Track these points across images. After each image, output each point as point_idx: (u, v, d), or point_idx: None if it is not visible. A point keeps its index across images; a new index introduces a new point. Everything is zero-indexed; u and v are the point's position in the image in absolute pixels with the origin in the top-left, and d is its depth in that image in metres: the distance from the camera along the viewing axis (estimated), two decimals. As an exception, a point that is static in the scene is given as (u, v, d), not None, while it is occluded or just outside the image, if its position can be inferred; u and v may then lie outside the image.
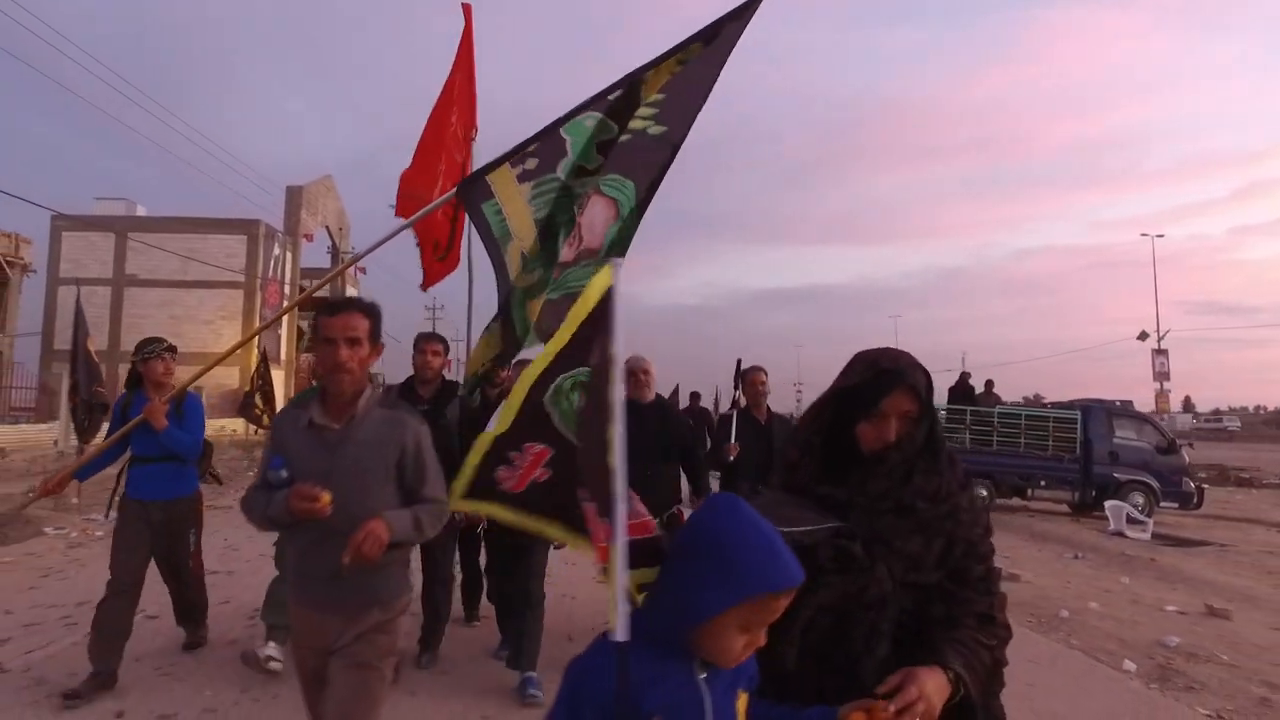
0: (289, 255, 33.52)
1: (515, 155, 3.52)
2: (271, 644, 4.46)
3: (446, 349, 4.80)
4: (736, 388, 6.16)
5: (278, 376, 23.14)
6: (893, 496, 1.61)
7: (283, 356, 31.46)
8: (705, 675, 1.28)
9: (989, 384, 16.48)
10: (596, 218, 3.39)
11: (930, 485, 1.61)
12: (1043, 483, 14.26)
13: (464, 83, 5.22)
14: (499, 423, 1.86)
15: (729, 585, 1.21)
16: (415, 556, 3.45)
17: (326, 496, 2.31)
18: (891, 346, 1.72)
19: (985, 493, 13.50)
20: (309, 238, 34.61)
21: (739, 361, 6.32)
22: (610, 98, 3.37)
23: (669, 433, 4.94)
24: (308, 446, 2.49)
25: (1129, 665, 5.36)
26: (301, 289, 34.30)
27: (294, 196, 33.88)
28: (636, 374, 4.88)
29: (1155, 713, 4.54)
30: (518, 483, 1.91)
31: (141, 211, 32.54)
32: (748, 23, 3.20)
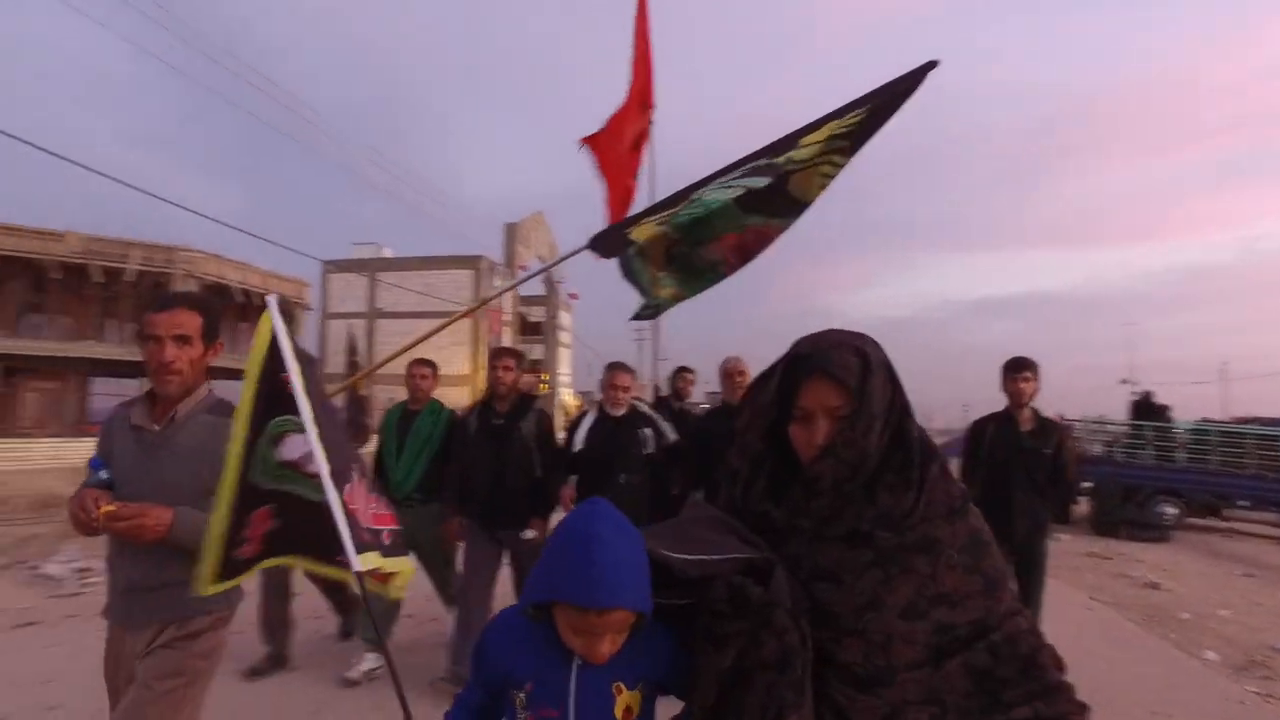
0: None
1: (652, 214, 3.57)
2: (369, 656, 4.38)
3: (520, 363, 4.59)
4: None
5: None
6: (844, 519, 1.23)
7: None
8: (580, 661, 1.28)
9: (1154, 402, 15.41)
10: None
11: (896, 505, 1.21)
12: (1244, 503, 13.37)
13: (642, 54, 5.23)
14: (216, 524, 1.88)
15: (537, 584, 1.23)
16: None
17: (103, 510, 2.05)
18: (839, 327, 1.33)
19: (1174, 510, 12.96)
20: (524, 268, 38.23)
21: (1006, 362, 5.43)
22: (753, 164, 3.33)
23: None
24: (128, 449, 2.30)
25: (1210, 655, 5.62)
26: (520, 316, 38.00)
27: (510, 232, 37.31)
28: (731, 375, 4.59)
29: (1193, 681, 4.90)
30: (255, 547, 1.98)
31: (387, 253, 37.59)
32: (916, 88, 3.02)
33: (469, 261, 35.60)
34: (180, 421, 2.30)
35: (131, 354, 25.27)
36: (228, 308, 28.48)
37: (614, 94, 5.40)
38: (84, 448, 18.62)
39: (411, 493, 4.55)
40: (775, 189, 3.45)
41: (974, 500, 4.74)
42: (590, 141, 4.84)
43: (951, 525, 1.24)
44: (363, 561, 1.97)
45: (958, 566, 1.21)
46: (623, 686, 1.30)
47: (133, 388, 25.58)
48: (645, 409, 4.52)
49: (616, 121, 4.97)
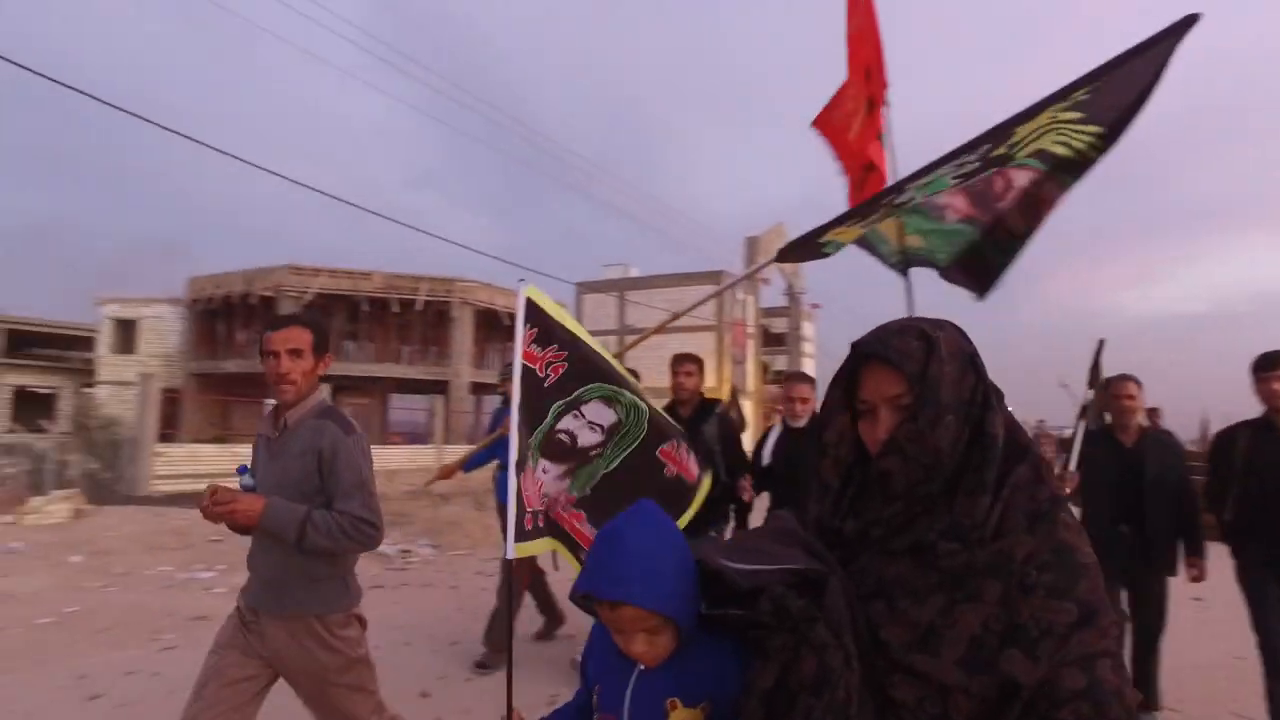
0: (750, 299, 37.73)
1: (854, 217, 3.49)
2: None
3: (701, 368, 4.75)
4: (1091, 387, 4.50)
5: (747, 407, 26.50)
6: (915, 529, 1.08)
7: (749, 388, 35.45)
8: (642, 669, 1.27)
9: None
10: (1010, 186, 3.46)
11: (968, 513, 1.05)
12: None
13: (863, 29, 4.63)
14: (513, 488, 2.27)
15: (579, 577, 1.28)
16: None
17: (210, 500, 2.37)
18: (915, 316, 1.21)
19: None
20: (766, 282, 38.50)
21: (1100, 344, 4.55)
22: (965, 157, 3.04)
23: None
24: (260, 454, 2.61)
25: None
26: (763, 329, 38.35)
27: (751, 246, 37.74)
28: (794, 402, 4.41)
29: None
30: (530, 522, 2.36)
31: (635, 272, 39.70)
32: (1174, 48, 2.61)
33: (712, 276, 36.54)
34: (292, 427, 2.53)
35: (422, 373, 28.89)
36: (496, 330, 31.53)
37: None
38: (387, 453, 21.71)
39: None
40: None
41: (1229, 525, 3.99)
42: (821, 124, 4.59)
43: (1032, 537, 1.03)
44: (517, 550, 2.24)
45: (1038, 589, 0.98)
46: (678, 702, 1.24)
47: (423, 403, 29.27)
48: None
49: (842, 100, 4.60)
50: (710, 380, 34.52)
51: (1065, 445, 4.51)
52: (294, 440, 2.50)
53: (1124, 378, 4.22)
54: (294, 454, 2.48)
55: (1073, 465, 4.12)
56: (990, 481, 1.07)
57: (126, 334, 31.55)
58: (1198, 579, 3.99)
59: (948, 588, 1.02)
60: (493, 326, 31.33)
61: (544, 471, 2.50)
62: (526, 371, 2.36)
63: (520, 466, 2.30)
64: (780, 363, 39.66)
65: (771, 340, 41.39)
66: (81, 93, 7.87)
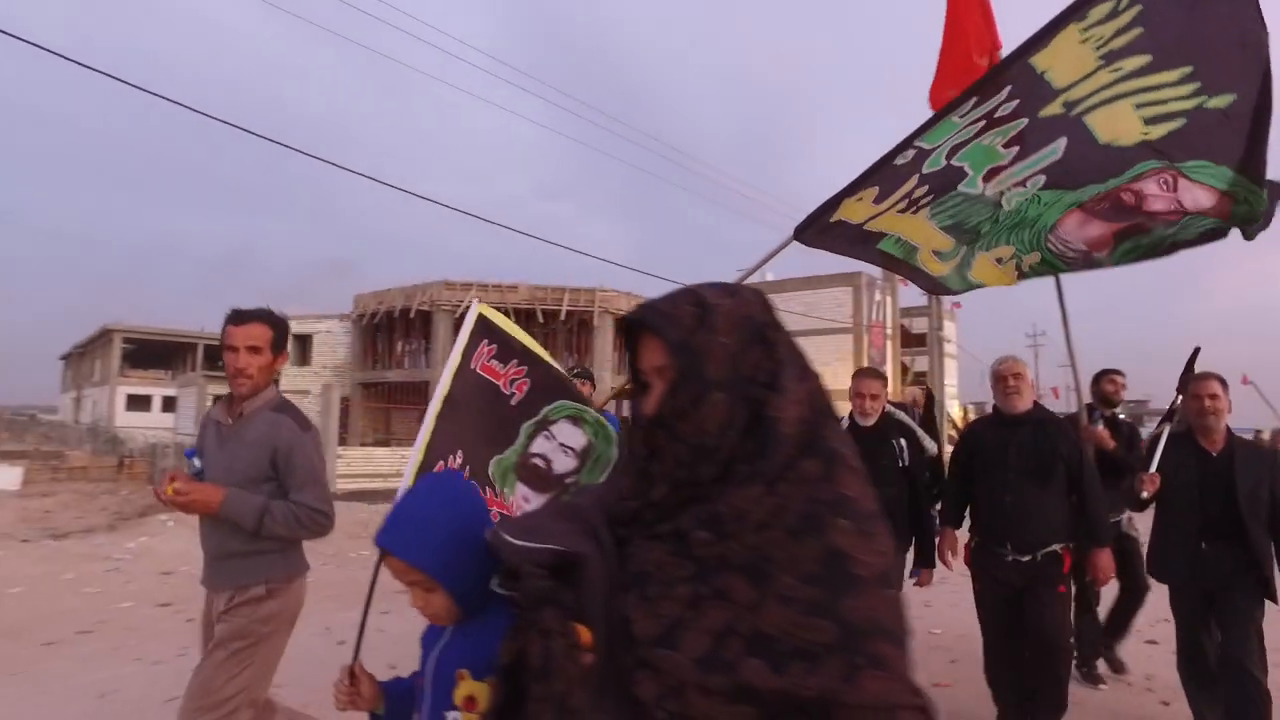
0: (888, 300, 37.07)
1: (893, 198, 3.34)
2: None
3: (592, 380, 4.46)
4: (1179, 394, 3.99)
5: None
6: (676, 516, 0.98)
7: (889, 391, 34.96)
8: (447, 639, 1.29)
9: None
10: (1191, 196, 3.25)
11: (732, 503, 0.94)
12: None
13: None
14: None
15: None
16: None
17: (170, 487, 2.42)
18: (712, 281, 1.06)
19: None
20: (905, 283, 37.73)
21: (1195, 352, 4.04)
22: (1009, 112, 2.90)
23: (1045, 450, 3.57)
24: (211, 441, 2.70)
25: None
26: (903, 329, 37.64)
27: (890, 246, 37.49)
28: (1005, 379, 3.79)
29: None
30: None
31: (770, 276, 39.90)
32: None
33: (848, 279, 36.24)
34: (247, 418, 2.65)
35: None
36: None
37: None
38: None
39: None
40: (1079, 148, 3.05)
41: None
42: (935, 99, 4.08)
43: (797, 540, 0.89)
44: None
45: (796, 601, 0.85)
46: (467, 674, 1.22)
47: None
48: (902, 418, 4.28)
49: (949, 72, 4.11)
50: (848, 382, 34.15)
51: (1150, 446, 3.95)
52: (248, 430, 2.62)
53: (1205, 375, 3.74)
54: (246, 443, 2.60)
55: (1154, 465, 3.70)
56: (767, 472, 0.94)
57: (302, 348, 34.76)
58: None
59: (697, 580, 0.91)
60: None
61: (525, 500, 2.38)
62: (489, 387, 2.33)
63: (483, 487, 2.27)
64: (921, 364, 38.70)
65: (912, 341, 40.51)
66: (267, 139, 9.15)
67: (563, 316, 30.26)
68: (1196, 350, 4.11)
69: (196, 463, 2.63)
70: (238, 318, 2.63)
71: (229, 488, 2.51)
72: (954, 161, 3.26)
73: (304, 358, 34.67)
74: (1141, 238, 3.63)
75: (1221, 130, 2.93)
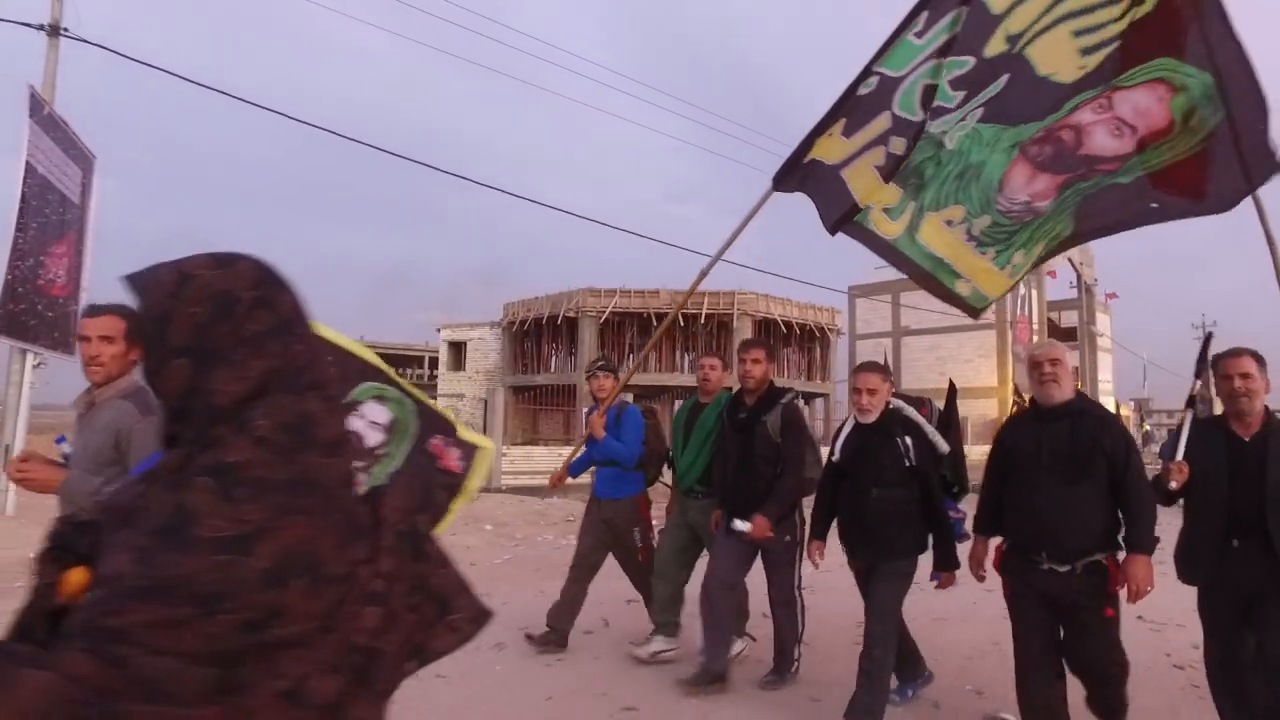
0: (1034, 293, 35.87)
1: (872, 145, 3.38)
2: (658, 638, 4.66)
3: (770, 356, 4.55)
4: (1198, 377, 3.61)
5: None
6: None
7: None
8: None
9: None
10: (1130, 104, 3.09)
11: (169, 457, 1.03)
12: None
13: None
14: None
15: None
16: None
17: (17, 466, 2.53)
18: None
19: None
20: (1052, 274, 36.38)
21: (1208, 337, 3.72)
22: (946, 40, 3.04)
23: (1082, 446, 3.18)
24: (77, 427, 2.79)
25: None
26: (1050, 321, 36.34)
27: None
28: (1040, 366, 3.34)
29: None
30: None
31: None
32: None
33: (991, 273, 35.33)
34: (99, 405, 2.72)
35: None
36: (774, 337, 33.00)
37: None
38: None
39: (694, 484, 4.63)
40: (1019, 82, 3.09)
41: None
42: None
43: (162, 496, 0.95)
44: None
45: (131, 549, 0.91)
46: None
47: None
48: (910, 414, 3.86)
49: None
50: (992, 379, 33.38)
51: (1174, 436, 3.52)
52: (98, 416, 2.71)
53: (1236, 352, 3.23)
54: (96, 429, 2.69)
55: (1180, 455, 3.22)
56: (189, 436, 1.01)
57: (457, 354, 37.26)
58: None
59: (123, 530, 0.98)
60: (771, 334, 32.86)
61: None
62: None
63: None
64: (1072, 359, 37.18)
65: (1061, 335, 38.96)
66: (428, 165, 10.37)
67: (703, 320, 31.13)
68: (1209, 335, 3.78)
69: (66, 448, 2.76)
70: (92, 311, 2.74)
71: (72, 470, 2.63)
72: (931, 128, 3.35)
73: (458, 363, 37.13)
74: (1084, 183, 3.49)
75: (1156, 30, 2.93)
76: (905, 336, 37.18)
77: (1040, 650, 3.22)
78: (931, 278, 4.00)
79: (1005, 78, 3.15)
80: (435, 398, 37.55)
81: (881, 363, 4.08)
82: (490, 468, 2.95)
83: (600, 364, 5.08)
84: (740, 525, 4.09)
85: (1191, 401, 3.50)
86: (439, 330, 37.85)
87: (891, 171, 3.46)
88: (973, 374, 33.99)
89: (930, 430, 3.83)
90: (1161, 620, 5.63)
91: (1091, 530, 3.10)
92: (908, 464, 3.69)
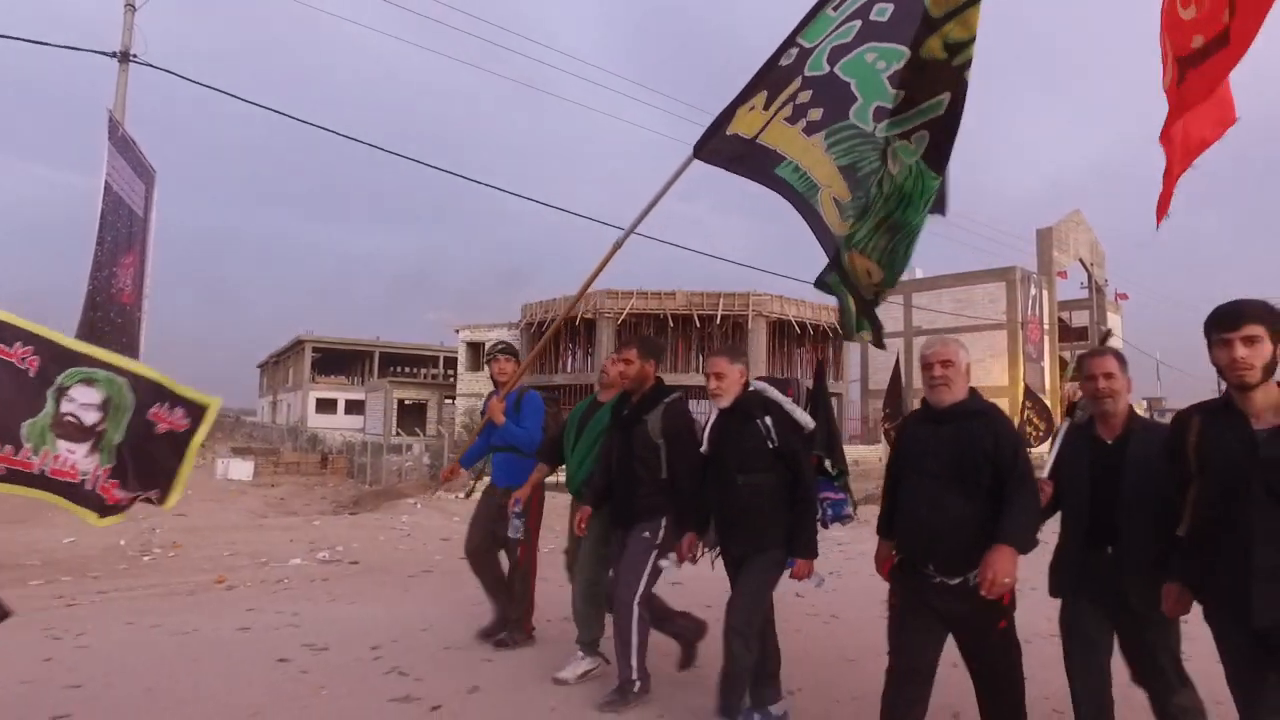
0: (1045, 294, 36.41)
1: (781, 104, 3.37)
2: (583, 659, 4.23)
3: (641, 354, 4.11)
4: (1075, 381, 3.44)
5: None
6: None
7: (1047, 387, 34.32)
8: None
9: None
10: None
11: None
12: None
13: None
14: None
15: None
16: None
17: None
18: None
19: None
20: (1063, 275, 36.87)
21: (1105, 335, 3.71)
22: (886, 20, 3.00)
23: (965, 451, 2.95)
24: None
25: None
26: (1061, 321, 36.87)
27: (1044, 238, 36.50)
28: (931, 367, 3.08)
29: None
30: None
31: (919, 274, 39.89)
32: None
33: (1001, 274, 35.87)
34: None
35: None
36: (788, 337, 33.64)
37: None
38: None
39: (581, 486, 4.38)
40: (956, 112, 2.93)
41: (1191, 536, 2.52)
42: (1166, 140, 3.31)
43: None
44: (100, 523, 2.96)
45: None
46: None
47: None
48: (771, 393, 3.63)
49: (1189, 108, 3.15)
50: (1003, 379, 33.90)
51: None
52: None
53: (1099, 351, 3.13)
54: None
55: (1046, 471, 3.09)
56: None
57: (476, 354, 38.01)
58: (1174, 611, 2.65)
59: None
60: (785, 335, 33.52)
61: (70, 452, 2.88)
62: (6, 365, 2.78)
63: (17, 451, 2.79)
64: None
65: (1071, 335, 39.44)
66: (449, 172, 11.03)
67: (718, 320, 31.80)
68: (1107, 333, 4.28)
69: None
70: None
71: None
72: (838, 72, 3.20)
73: (477, 363, 37.89)
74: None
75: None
76: (916, 336, 37.76)
77: (910, 667, 2.99)
78: (842, 293, 3.76)
79: (947, 96, 2.93)
80: (454, 397, 38.38)
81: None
82: (215, 420, 3.14)
83: (500, 347, 4.99)
84: (666, 564, 3.83)
85: (1071, 408, 3.41)
86: (457, 331, 38.62)
87: (805, 122, 3.39)
88: (983, 374, 34.50)
89: (791, 406, 3.59)
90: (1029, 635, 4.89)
91: (981, 540, 2.82)
92: (771, 445, 3.49)
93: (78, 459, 2.89)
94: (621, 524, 4.02)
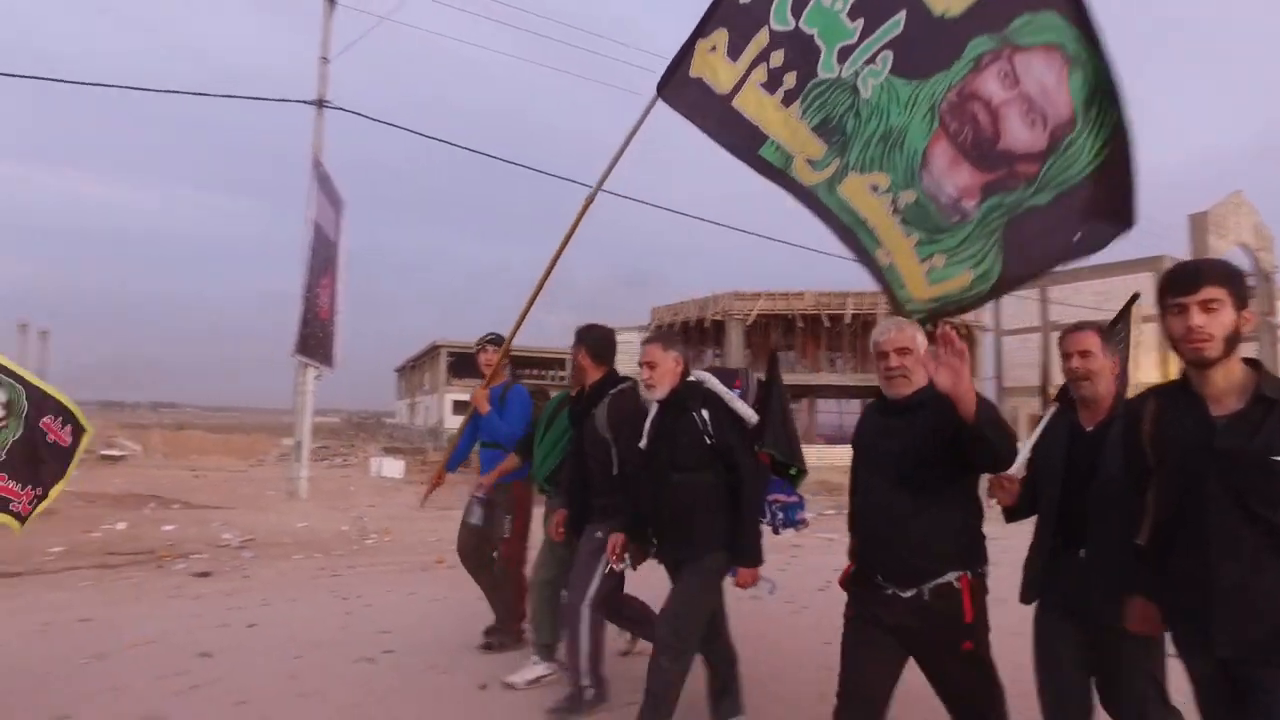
0: (1200, 283, 34.30)
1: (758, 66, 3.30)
2: (536, 662, 4.14)
3: (588, 351, 4.02)
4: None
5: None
6: None
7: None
8: None
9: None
10: (1034, 78, 2.74)
11: None
12: None
13: None
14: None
15: None
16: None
17: None
18: None
19: None
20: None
21: (1132, 299, 3.29)
22: None
23: (919, 446, 2.55)
24: None
25: None
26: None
27: (1198, 223, 34.49)
28: (885, 355, 2.68)
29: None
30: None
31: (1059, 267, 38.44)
32: None
33: (1150, 263, 34.21)
34: None
35: (854, 380, 31.75)
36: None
37: None
38: (810, 450, 24.89)
39: (544, 482, 4.32)
40: (918, 22, 2.95)
41: (1151, 543, 2.11)
42: None
43: None
44: None
45: None
46: None
47: (853, 407, 32.13)
48: (710, 385, 3.33)
49: None
50: (1153, 375, 32.19)
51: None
52: None
53: (1077, 326, 2.73)
54: None
55: (1014, 467, 2.56)
56: None
57: (607, 357, 39.29)
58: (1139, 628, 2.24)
59: None
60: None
61: None
62: None
63: None
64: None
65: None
66: (569, 180, 11.79)
67: (847, 319, 31.79)
68: (1135, 296, 3.29)
69: None
70: None
71: None
72: (802, 25, 3.16)
73: (607, 365, 39.21)
74: (1005, 195, 3.11)
75: None
76: (1054, 332, 36.38)
77: (857, 694, 2.60)
78: (850, 233, 3.47)
79: (904, 13, 2.96)
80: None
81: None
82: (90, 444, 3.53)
83: (488, 337, 4.77)
84: (620, 567, 3.55)
85: (1064, 392, 2.82)
86: (586, 335, 40.04)
87: (782, 92, 3.31)
88: (1130, 370, 32.85)
89: (731, 399, 3.27)
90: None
91: (935, 546, 2.51)
92: (709, 441, 3.19)
93: None
94: (575, 524, 3.83)
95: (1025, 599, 2.69)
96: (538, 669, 4.09)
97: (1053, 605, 2.62)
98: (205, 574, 7.01)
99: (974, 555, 2.57)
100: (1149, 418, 2.12)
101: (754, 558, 3.15)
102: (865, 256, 3.52)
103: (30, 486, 3.36)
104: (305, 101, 12.72)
